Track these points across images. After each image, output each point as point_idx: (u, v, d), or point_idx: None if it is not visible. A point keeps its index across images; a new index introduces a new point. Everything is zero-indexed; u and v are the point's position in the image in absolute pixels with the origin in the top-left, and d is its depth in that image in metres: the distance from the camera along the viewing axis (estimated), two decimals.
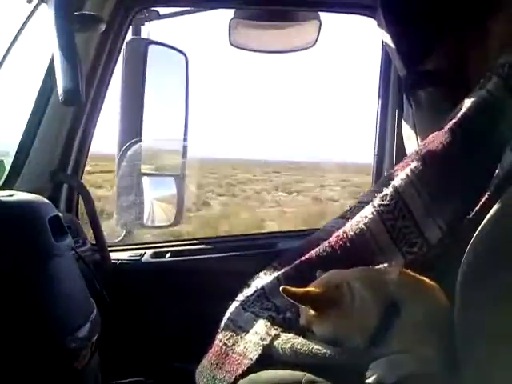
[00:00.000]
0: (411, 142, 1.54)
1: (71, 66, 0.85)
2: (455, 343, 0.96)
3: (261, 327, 1.11)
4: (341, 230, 1.24)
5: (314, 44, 1.78)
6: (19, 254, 0.94)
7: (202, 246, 1.68)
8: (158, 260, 1.61)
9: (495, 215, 0.95)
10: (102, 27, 1.00)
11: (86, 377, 0.98)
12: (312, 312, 1.02)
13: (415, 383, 0.94)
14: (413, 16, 1.46)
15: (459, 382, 0.95)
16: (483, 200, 1.11)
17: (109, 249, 1.56)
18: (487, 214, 0.99)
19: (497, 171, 1.12)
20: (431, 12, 1.42)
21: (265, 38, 1.81)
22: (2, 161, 1.56)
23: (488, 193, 1.11)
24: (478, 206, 1.12)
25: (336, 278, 1.05)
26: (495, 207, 0.96)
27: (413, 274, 1.09)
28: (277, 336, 1.08)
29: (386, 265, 1.08)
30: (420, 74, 1.48)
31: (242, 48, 1.82)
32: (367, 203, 1.26)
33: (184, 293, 1.53)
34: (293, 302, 1.04)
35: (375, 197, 1.24)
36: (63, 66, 0.85)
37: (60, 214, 1.36)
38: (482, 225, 0.95)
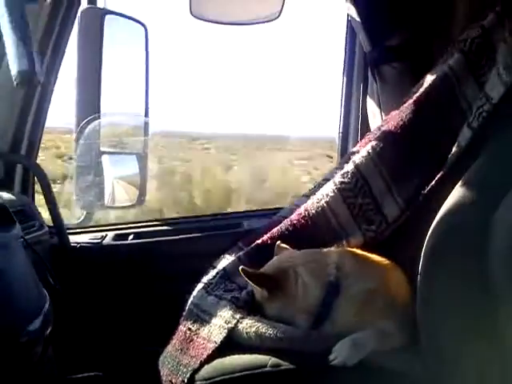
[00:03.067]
0: (376, 118, 1.53)
1: (24, 45, 0.78)
2: (417, 318, 0.98)
3: (225, 310, 1.11)
4: (302, 208, 1.25)
5: (278, 16, 1.73)
6: None
7: (166, 228, 1.64)
8: (120, 242, 1.55)
9: (454, 200, 0.95)
10: None
11: (40, 372, 0.95)
12: (265, 293, 1.08)
13: (378, 360, 0.97)
14: None
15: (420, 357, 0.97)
16: (438, 176, 1.13)
17: (68, 231, 1.50)
18: (442, 190, 1.01)
19: (454, 148, 1.12)
20: None
21: (227, 9, 1.74)
22: None
23: (444, 169, 1.12)
24: (434, 183, 1.13)
25: (284, 263, 1.12)
26: (454, 193, 0.96)
27: (359, 252, 1.14)
28: (242, 319, 1.08)
29: (333, 248, 1.15)
30: (385, 48, 1.46)
31: (203, 19, 1.74)
32: (329, 180, 1.26)
33: (148, 276, 1.50)
34: (249, 282, 1.09)
35: (336, 174, 1.24)
36: (15, 45, 0.79)
37: (11, 197, 1.30)
38: (442, 208, 0.96)
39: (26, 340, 0.88)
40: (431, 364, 0.95)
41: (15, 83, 0.79)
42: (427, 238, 0.96)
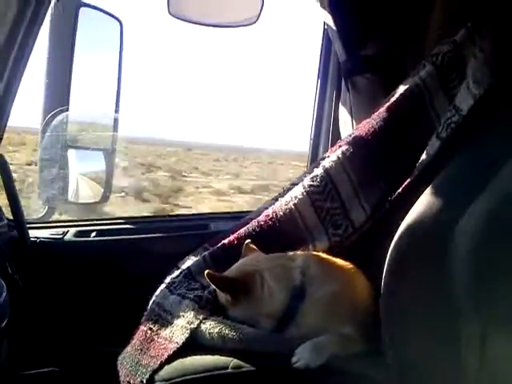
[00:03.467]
0: (347, 127, 1.55)
1: None
2: (381, 329, 0.99)
3: (188, 310, 1.09)
4: (270, 210, 1.25)
5: (256, 21, 1.73)
6: None
7: (131, 226, 1.60)
8: (81, 239, 1.50)
9: (417, 213, 0.96)
10: None
11: None
12: (228, 297, 1.08)
13: (340, 363, 0.97)
14: (356, 1, 1.45)
15: (384, 361, 0.97)
16: (405, 183, 1.14)
17: (28, 226, 1.44)
18: (409, 198, 1.01)
19: (422, 156, 1.15)
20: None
21: (205, 10, 1.73)
22: None
23: (411, 177, 1.14)
24: (401, 190, 1.15)
25: (250, 267, 1.11)
26: (418, 203, 0.97)
27: (324, 256, 1.14)
28: (205, 319, 1.06)
29: (298, 252, 1.14)
30: (359, 59, 1.49)
31: (180, 19, 1.73)
32: (297, 184, 1.27)
33: (109, 275, 1.45)
34: (214, 287, 1.08)
35: (306, 177, 1.25)
36: None
37: None
38: (405, 219, 0.96)
39: None
40: (394, 371, 0.95)
41: None
42: (390, 248, 0.97)
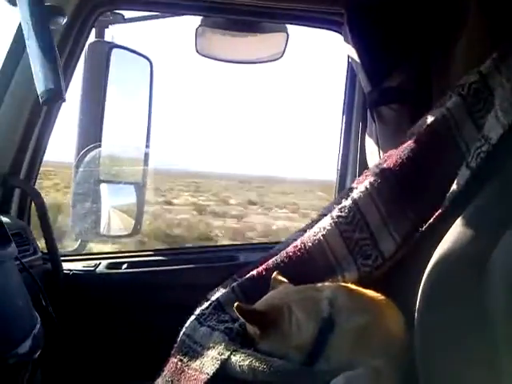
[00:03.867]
0: (374, 157, 1.55)
1: (51, 64, 0.81)
2: (415, 358, 0.96)
3: (218, 342, 1.08)
4: (298, 241, 1.24)
5: (281, 56, 1.78)
6: None
7: (161, 258, 1.63)
8: (113, 271, 1.54)
9: (448, 244, 0.95)
10: (61, 20, 0.95)
11: None
12: (257, 331, 1.06)
13: None
14: (379, 34, 1.48)
15: None
16: (436, 214, 1.13)
17: (62, 258, 1.48)
18: (440, 228, 1.00)
19: (453, 187, 1.13)
20: (398, 32, 1.44)
21: (231, 48, 1.79)
22: None
23: (442, 208, 1.13)
24: (431, 220, 1.14)
25: (278, 300, 1.10)
26: (449, 235, 0.96)
27: (353, 287, 1.12)
28: (235, 351, 1.05)
29: (326, 283, 1.13)
30: (384, 90, 1.50)
31: (207, 57, 1.80)
32: (326, 215, 1.26)
33: (140, 306, 1.47)
34: (243, 320, 1.07)
35: (334, 208, 1.25)
36: (42, 64, 0.81)
37: (7, 220, 1.29)
38: (437, 251, 0.95)
39: (15, 362, 0.86)
40: None
41: (41, 101, 0.81)
42: (423, 281, 0.96)
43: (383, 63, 1.47)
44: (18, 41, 1.42)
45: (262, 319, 1.06)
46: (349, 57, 1.62)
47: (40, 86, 0.80)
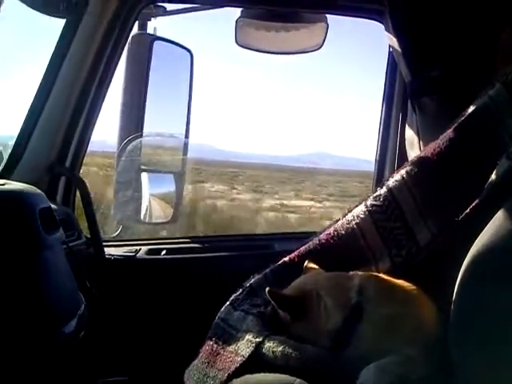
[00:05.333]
0: (414, 148, 1.53)
1: None
2: (449, 347, 0.95)
3: (252, 325, 1.10)
4: (331, 228, 1.24)
5: (321, 46, 1.77)
6: (6, 244, 0.91)
7: (199, 245, 1.67)
8: (152, 257, 1.59)
9: (488, 236, 0.93)
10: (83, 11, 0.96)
11: (72, 373, 0.96)
12: (287, 316, 1.08)
13: None
14: (422, 23, 1.45)
15: None
16: (473, 205, 1.10)
17: (104, 244, 1.54)
18: (477, 220, 0.98)
19: (492, 177, 1.11)
20: (442, 21, 1.41)
21: (271, 39, 1.79)
22: (0, 151, 1.55)
23: (480, 199, 1.10)
24: (468, 210, 1.11)
25: (307, 285, 1.11)
26: (488, 228, 0.94)
27: (384, 276, 1.11)
28: (268, 336, 1.07)
29: (357, 272, 1.12)
30: (426, 80, 1.47)
31: (247, 48, 1.81)
32: (361, 203, 1.26)
33: (178, 291, 1.51)
34: (274, 305, 1.08)
35: (369, 196, 1.24)
36: None
37: (54, 206, 1.35)
38: (476, 242, 0.93)
39: (62, 340, 0.90)
40: None
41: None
42: (461, 273, 0.94)
43: (425, 53, 1.44)
44: (65, 34, 1.48)
45: (291, 305, 1.07)
46: (390, 46, 1.60)
47: None
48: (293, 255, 1.23)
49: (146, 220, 1.73)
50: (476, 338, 0.91)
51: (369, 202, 1.21)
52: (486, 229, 0.95)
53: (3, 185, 1.06)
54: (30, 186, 1.14)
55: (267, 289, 1.07)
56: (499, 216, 0.94)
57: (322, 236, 1.24)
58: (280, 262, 1.24)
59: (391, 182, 1.21)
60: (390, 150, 1.69)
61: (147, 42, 1.72)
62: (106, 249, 1.54)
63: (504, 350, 0.85)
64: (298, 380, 0.98)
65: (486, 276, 0.91)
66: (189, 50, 1.84)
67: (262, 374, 1.01)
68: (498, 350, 0.86)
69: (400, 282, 1.09)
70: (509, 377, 0.84)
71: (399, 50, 1.50)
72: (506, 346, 0.86)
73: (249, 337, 1.07)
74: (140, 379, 1.39)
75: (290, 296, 1.10)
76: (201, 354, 1.12)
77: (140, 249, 1.60)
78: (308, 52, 1.82)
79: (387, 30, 1.52)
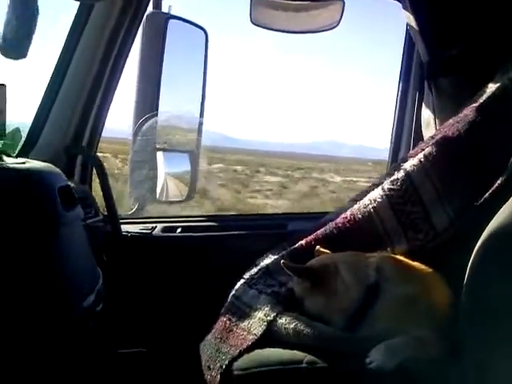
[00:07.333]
0: (429, 129, 1.51)
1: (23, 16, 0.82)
2: (459, 328, 0.96)
3: (265, 304, 1.13)
4: (348, 212, 1.25)
5: (337, 25, 1.74)
6: (27, 221, 0.94)
7: (213, 223, 1.69)
8: (168, 234, 1.61)
9: (502, 218, 0.92)
10: None
11: (90, 345, 1.00)
12: (307, 285, 1.10)
13: (415, 367, 0.95)
14: (441, 1, 1.42)
15: (460, 365, 0.94)
16: (493, 189, 1.10)
17: (120, 221, 1.57)
18: (495, 204, 0.98)
19: (510, 161, 1.09)
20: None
21: (286, 18, 1.77)
22: (19, 128, 1.57)
23: (499, 183, 1.09)
24: (488, 194, 1.10)
25: (327, 259, 1.13)
26: (502, 210, 0.93)
27: (402, 259, 1.13)
28: (281, 313, 1.09)
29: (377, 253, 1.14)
30: (443, 59, 1.45)
31: (262, 27, 1.79)
32: (377, 186, 1.26)
33: (192, 268, 1.54)
34: (291, 274, 1.11)
35: (386, 180, 1.24)
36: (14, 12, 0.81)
37: (72, 184, 1.38)
38: (490, 224, 0.93)
39: (81, 314, 0.93)
40: (471, 377, 0.92)
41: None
42: (473, 254, 0.94)
43: (443, 32, 1.41)
44: (80, 15, 1.48)
45: (311, 274, 1.09)
46: (407, 25, 1.57)
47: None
48: (309, 238, 1.24)
49: (162, 198, 1.75)
50: (484, 320, 0.91)
51: (386, 186, 1.21)
52: (499, 212, 0.94)
53: (23, 163, 1.08)
54: (48, 164, 1.16)
55: (282, 261, 1.09)
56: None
57: (339, 220, 1.24)
58: (297, 245, 1.25)
59: (409, 166, 1.20)
60: (405, 131, 1.67)
61: (162, 20, 1.70)
62: (122, 226, 1.57)
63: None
64: (309, 356, 1.00)
65: (498, 258, 0.91)
66: (204, 29, 1.82)
67: (273, 350, 1.04)
68: (508, 334, 0.86)
69: (416, 264, 1.10)
70: None
71: (417, 28, 1.47)
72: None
73: (261, 315, 1.09)
74: (157, 351, 1.43)
75: (309, 267, 1.12)
76: (214, 330, 1.15)
77: (156, 226, 1.62)
78: (323, 31, 1.80)
79: (404, 7, 1.50)
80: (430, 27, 1.45)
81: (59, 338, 0.90)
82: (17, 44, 0.84)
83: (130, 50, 1.67)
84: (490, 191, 1.11)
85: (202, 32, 1.82)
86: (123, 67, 1.67)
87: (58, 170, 1.15)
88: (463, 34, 1.39)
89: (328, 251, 1.19)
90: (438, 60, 1.45)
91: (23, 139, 1.48)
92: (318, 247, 1.20)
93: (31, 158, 1.37)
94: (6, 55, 0.90)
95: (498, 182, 1.11)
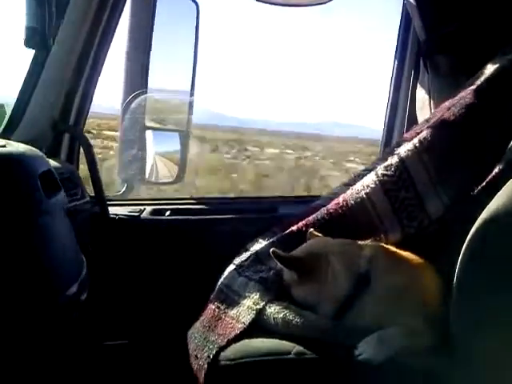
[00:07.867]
0: (424, 109, 1.48)
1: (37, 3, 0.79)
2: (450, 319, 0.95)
3: (254, 292, 1.11)
4: (340, 198, 1.23)
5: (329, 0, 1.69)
6: (7, 208, 0.90)
7: (203, 206, 1.66)
8: (156, 217, 1.58)
9: (495, 206, 0.90)
10: None
11: (74, 335, 0.98)
12: (294, 276, 1.08)
13: (405, 357, 0.95)
14: None
15: (451, 356, 0.94)
16: (490, 177, 1.07)
17: (108, 203, 1.54)
18: (492, 193, 0.95)
19: (509, 146, 1.07)
20: None
21: None
22: (3, 104, 1.52)
23: (496, 170, 1.07)
24: (484, 183, 1.08)
25: (317, 248, 1.11)
26: (496, 199, 0.90)
27: (392, 248, 1.11)
28: (270, 302, 1.08)
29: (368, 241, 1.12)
30: (440, 37, 1.40)
31: (260, 0, 1.73)
32: (370, 171, 1.23)
33: (181, 252, 1.52)
34: (280, 264, 1.09)
35: (379, 165, 1.21)
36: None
37: (57, 164, 1.34)
38: (484, 212, 0.90)
39: (64, 303, 0.91)
40: (462, 367, 0.92)
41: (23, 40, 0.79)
42: (465, 244, 0.92)
43: (441, 8, 1.37)
44: None
45: (299, 264, 1.08)
46: (404, 1, 1.52)
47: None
48: (300, 224, 1.22)
49: (152, 179, 1.71)
50: (475, 310, 0.90)
51: (380, 172, 1.18)
52: (493, 200, 0.92)
53: (4, 146, 1.03)
54: (30, 147, 1.11)
55: (271, 249, 1.07)
56: (509, 185, 0.91)
57: (331, 206, 1.22)
58: (287, 232, 1.23)
59: (403, 152, 1.17)
60: (400, 112, 1.64)
61: None
62: (110, 208, 1.54)
63: (505, 323, 0.85)
64: (297, 347, 0.99)
65: (494, 243, 0.89)
66: (195, 1, 1.76)
67: (261, 340, 1.02)
68: (502, 320, 0.85)
69: (407, 254, 1.09)
70: (509, 351, 0.84)
71: (414, 3, 1.42)
72: (505, 317, 0.85)
73: (250, 303, 1.08)
74: (140, 342, 1.42)
75: (298, 256, 1.10)
76: (203, 318, 1.13)
77: (144, 209, 1.59)
78: (319, 4, 1.74)
79: None
80: (428, 4, 1.40)
81: (40, 330, 0.88)
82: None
83: (117, 23, 1.60)
84: (488, 179, 1.09)
85: (194, 4, 1.75)
86: (111, 40, 1.60)
87: (40, 153, 1.11)
88: (461, 10, 1.35)
89: (320, 235, 1.17)
90: (435, 36, 1.41)
91: (8, 116, 1.44)
92: (311, 230, 1.18)
93: (16, 135, 1.33)
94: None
95: (496, 170, 1.08)
